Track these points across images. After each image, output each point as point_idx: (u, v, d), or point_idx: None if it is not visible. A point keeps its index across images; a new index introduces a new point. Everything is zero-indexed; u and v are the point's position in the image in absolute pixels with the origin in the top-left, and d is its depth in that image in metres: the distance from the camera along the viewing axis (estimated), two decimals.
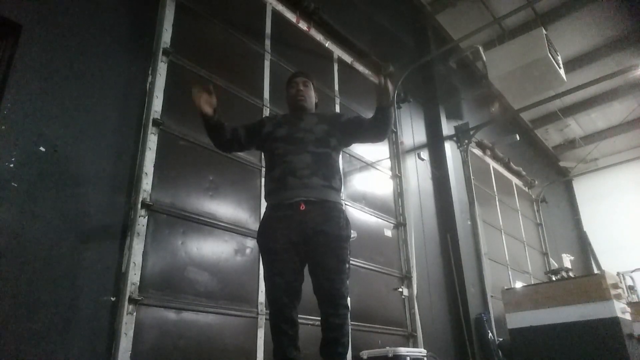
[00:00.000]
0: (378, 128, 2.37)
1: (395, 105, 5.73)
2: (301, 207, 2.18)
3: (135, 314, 2.62)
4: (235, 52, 3.97)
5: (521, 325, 4.50)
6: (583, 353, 4.04)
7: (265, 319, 3.27)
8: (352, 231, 2.34)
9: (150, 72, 3.19)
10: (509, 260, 7.37)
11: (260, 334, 3.24)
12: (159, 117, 3.11)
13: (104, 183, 2.73)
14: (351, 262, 2.31)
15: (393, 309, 4.64)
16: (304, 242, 2.17)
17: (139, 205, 2.80)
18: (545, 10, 7.37)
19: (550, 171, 11.04)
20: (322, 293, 2.17)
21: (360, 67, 5.51)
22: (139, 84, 3.11)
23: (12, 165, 2.35)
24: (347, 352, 2.20)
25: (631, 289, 8.13)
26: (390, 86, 2.22)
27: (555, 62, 6.79)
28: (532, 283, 7.25)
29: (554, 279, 5.79)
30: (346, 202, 4.41)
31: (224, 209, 3.39)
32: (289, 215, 2.19)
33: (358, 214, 4.62)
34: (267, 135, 2.42)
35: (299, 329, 2.19)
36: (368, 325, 4.20)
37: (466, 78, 7.94)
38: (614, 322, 3.98)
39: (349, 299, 2.23)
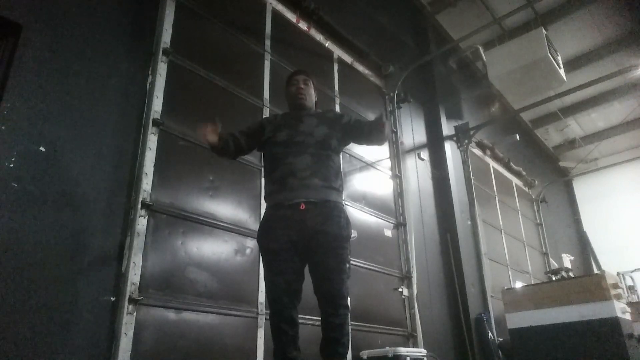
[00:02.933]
0: (374, 139, 2.41)
1: (396, 106, 5.75)
2: (301, 207, 2.18)
3: (135, 314, 2.62)
4: (235, 52, 3.97)
5: (521, 325, 4.50)
6: (583, 353, 4.04)
7: (265, 319, 3.27)
8: (352, 231, 2.34)
9: (150, 72, 3.18)
10: (509, 260, 7.37)
11: (260, 334, 3.24)
12: (159, 117, 3.10)
13: (104, 183, 2.73)
14: (351, 262, 2.31)
15: (393, 309, 4.64)
16: (304, 241, 2.17)
17: (139, 205, 2.80)
18: (545, 10, 7.37)
19: (550, 171, 11.04)
20: (322, 293, 2.17)
21: (360, 67, 5.51)
22: (139, 84, 3.11)
23: (12, 165, 2.35)
24: (347, 352, 2.20)
25: (631, 289, 8.13)
26: (387, 127, 2.29)
27: (555, 62, 6.80)
28: (532, 283, 7.25)
29: (554, 279, 5.79)
30: (346, 202, 4.40)
31: (224, 209, 3.39)
32: (289, 214, 2.19)
33: (358, 214, 4.62)
34: (267, 139, 2.42)
35: (299, 328, 2.19)
36: (368, 325, 4.19)
37: (466, 78, 7.94)
38: (614, 322, 3.98)
39: (349, 299, 2.23)
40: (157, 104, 3.13)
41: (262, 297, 3.33)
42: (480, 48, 7.57)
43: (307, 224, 2.17)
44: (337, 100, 4.93)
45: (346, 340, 2.17)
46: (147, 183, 2.91)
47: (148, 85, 3.15)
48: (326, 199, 2.24)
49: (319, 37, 5.02)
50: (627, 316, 4.21)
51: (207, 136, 2.31)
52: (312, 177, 2.24)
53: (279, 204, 2.25)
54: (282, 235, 2.17)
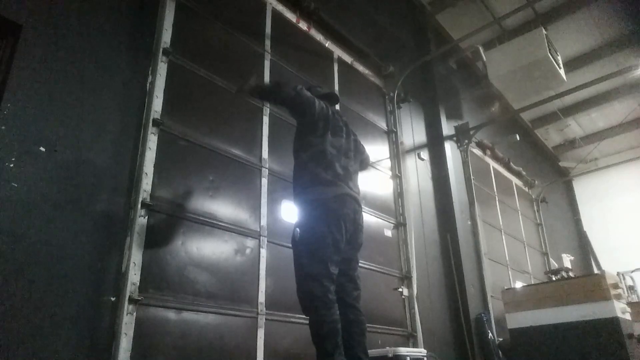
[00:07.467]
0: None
1: (396, 105, 5.74)
2: None
3: (135, 314, 2.62)
4: (235, 52, 3.97)
5: (521, 325, 4.50)
6: (583, 353, 4.04)
7: (266, 319, 3.27)
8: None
9: (150, 72, 3.18)
10: (509, 260, 7.37)
11: (260, 334, 3.23)
12: (159, 117, 3.10)
13: (104, 183, 2.73)
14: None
15: (393, 309, 4.64)
16: None
17: (139, 205, 2.80)
18: (545, 10, 7.37)
19: (550, 171, 11.04)
20: None
21: (360, 67, 5.51)
22: (139, 84, 3.11)
23: (12, 165, 2.35)
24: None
25: (631, 289, 8.13)
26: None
27: (555, 62, 6.80)
28: (532, 283, 7.25)
29: (554, 279, 5.79)
30: None
31: (224, 209, 3.39)
32: None
33: None
34: None
35: None
36: (368, 325, 4.15)
37: (466, 78, 7.94)
38: (614, 322, 3.98)
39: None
40: (157, 104, 3.13)
41: (262, 297, 3.33)
42: (480, 48, 7.56)
43: None
44: None
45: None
46: (147, 183, 2.91)
47: (148, 85, 3.15)
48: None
49: (319, 37, 5.02)
50: (627, 316, 4.21)
51: None
52: None
53: None
54: None
